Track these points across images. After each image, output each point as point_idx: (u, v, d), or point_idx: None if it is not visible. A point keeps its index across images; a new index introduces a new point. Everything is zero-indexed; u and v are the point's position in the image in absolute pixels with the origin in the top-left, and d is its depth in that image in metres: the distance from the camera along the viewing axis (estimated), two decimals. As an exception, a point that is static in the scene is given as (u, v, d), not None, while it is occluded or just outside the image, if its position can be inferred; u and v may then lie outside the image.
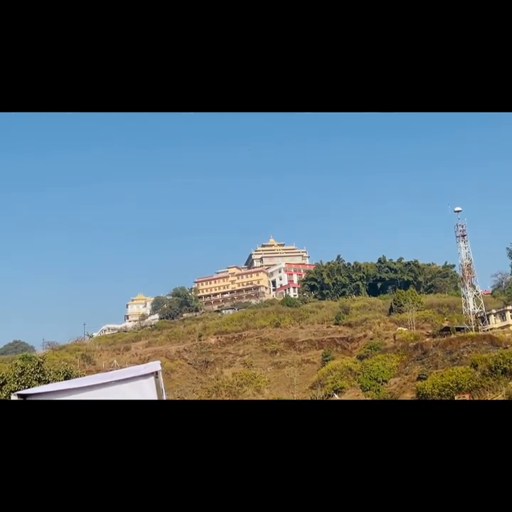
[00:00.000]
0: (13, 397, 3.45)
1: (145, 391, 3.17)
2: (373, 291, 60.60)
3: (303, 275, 70.16)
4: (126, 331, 62.23)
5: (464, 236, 39.76)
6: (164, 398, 3.25)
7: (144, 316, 70.98)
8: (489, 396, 33.26)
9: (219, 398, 38.99)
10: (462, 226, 39.87)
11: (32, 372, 15.53)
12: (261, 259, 78.74)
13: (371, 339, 41.66)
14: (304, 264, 76.33)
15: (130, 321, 71.56)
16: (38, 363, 23.54)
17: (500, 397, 32.10)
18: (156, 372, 3.31)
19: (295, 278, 72.19)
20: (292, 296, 65.96)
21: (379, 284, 61.69)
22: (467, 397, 33.71)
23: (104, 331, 64.88)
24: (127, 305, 78.12)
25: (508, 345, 36.58)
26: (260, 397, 39.16)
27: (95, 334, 61.53)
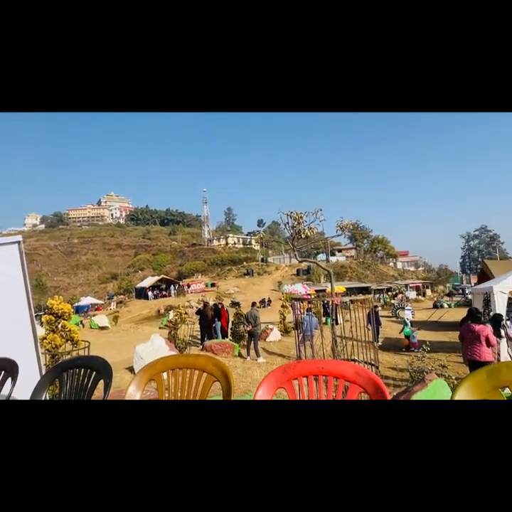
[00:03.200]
0: None
1: (12, 254, 3.16)
2: (163, 224, 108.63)
3: (128, 212, 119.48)
4: (23, 232, 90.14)
5: (205, 203, 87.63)
6: (25, 261, 3.25)
7: (35, 225, 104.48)
8: (209, 274, 55.88)
9: (75, 270, 76.45)
10: (205, 197, 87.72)
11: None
12: (106, 202, 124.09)
13: (159, 247, 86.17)
14: (129, 207, 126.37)
15: (26, 227, 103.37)
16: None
17: (214, 275, 55.03)
18: (19, 242, 3.29)
19: (123, 214, 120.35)
20: (122, 222, 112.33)
21: (165, 221, 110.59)
22: (200, 276, 54.27)
23: (10, 231, 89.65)
24: (25, 217, 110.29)
25: (219, 253, 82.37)
26: (98, 269, 78.07)
27: (4, 232, 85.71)
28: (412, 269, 61.28)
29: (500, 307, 9.24)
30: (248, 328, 10.49)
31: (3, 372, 1.90)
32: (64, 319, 5.57)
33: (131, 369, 8.15)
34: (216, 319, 12.88)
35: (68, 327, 5.53)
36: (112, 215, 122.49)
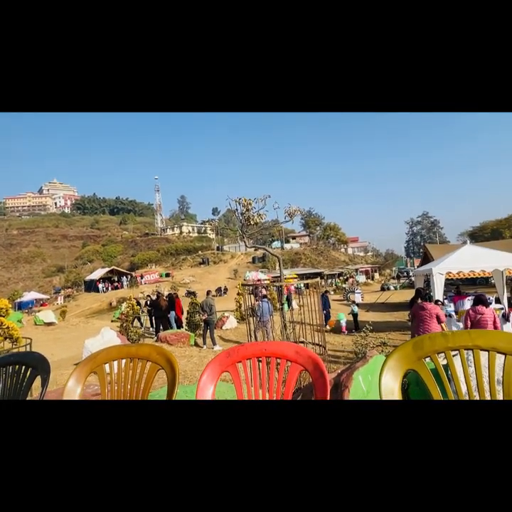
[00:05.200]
0: None
1: None
2: (112, 213, 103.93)
3: (73, 201, 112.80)
4: None
5: (158, 191, 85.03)
6: None
7: None
8: (163, 264, 56.03)
9: (16, 264, 70.44)
10: (157, 185, 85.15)
11: None
12: (48, 190, 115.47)
13: (109, 237, 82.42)
14: (75, 195, 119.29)
15: None
16: None
17: (169, 265, 54.53)
18: None
19: (69, 202, 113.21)
20: (67, 211, 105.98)
21: (115, 210, 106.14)
22: (154, 266, 54.23)
23: None
24: None
25: (173, 242, 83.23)
26: (42, 262, 72.81)
27: None
28: (362, 254, 64.29)
29: (438, 287, 10.02)
30: (203, 317, 10.44)
31: None
32: (1, 316, 5.16)
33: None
34: (170, 309, 12.65)
35: (6, 324, 5.14)
36: (55, 203, 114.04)
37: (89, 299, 35.19)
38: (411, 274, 30.15)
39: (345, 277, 33.66)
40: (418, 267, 21.17)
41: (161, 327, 12.15)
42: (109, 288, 39.36)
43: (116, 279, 41.80)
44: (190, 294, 26.39)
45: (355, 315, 11.94)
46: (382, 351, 5.41)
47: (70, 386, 1.59)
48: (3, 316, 5.23)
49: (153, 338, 11.54)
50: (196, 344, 10.69)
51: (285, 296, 9.24)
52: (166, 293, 22.65)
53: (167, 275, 43.24)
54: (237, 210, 4.90)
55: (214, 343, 10.09)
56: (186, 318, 13.04)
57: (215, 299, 12.26)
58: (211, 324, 10.33)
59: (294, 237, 63.75)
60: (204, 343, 10.29)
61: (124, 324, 9.83)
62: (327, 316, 12.65)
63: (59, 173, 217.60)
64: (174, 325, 12.40)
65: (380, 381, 1.10)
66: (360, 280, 36.22)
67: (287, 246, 56.37)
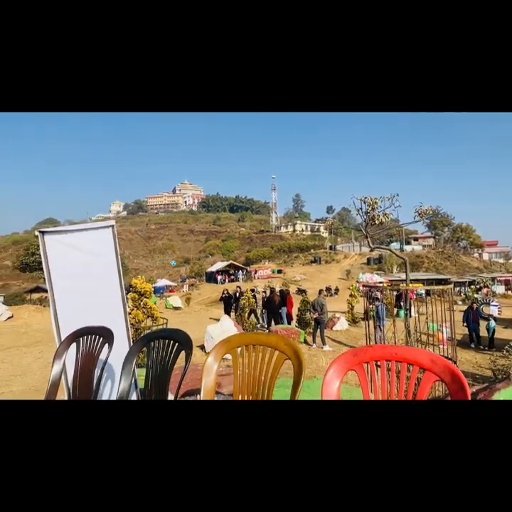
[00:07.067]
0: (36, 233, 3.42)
1: (107, 236, 3.45)
2: (232, 211, 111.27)
3: (200, 199, 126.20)
4: (109, 218, 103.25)
5: (274, 190, 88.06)
6: (117, 243, 3.54)
7: (118, 212, 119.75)
8: (276, 260, 57.91)
9: (152, 254, 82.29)
10: (274, 184, 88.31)
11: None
12: (180, 190, 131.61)
13: (229, 233, 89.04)
14: (201, 194, 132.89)
15: (111, 213, 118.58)
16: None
17: (281, 262, 57.26)
18: (112, 226, 3.54)
19: (196, 201, 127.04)
20: (194, 209, 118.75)
21: (234, 208, 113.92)
22: (267, 262, 56.28)
23: (98, 217, 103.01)
24: (111, 204, 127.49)
25: (286, 239, 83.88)
26: (172, 254, 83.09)
27: (93, 218, 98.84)
28: (502, 260, 54.93)
29: None
30: (314, 316, 10.45)
31: (102, 338, 2.19)
32: (146, 297, 6.13)
33: (201, 347, 8.67)
34: (282, 305, 13.01)
35: (149, 304, 6.08)
36: (185, 202, 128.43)
37: (209, 289, 38.57)
38: None
39: (477, 286, 29.31)
40: None
41: (273, 321, 12.61)
42: (226, 280, 42.44)
43: (232, 272, 44.88)
44: (301, 291, 26.64)
45: (491, 330, 10.34)
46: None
47: (209, 363, 1.79)
48: (148, 298, 6.20)
49: (264, 330, 12.06)
50: (306, 342, 10.77)
51: (408, 301, 8.55)
52: (277, 289, 23.36)
53: (279, 271, 44.48)
54: (360, 208, 4.76)
55: (323, 343, 10.02)
56: (297, 315, 13.23)
57: (326, 299, 12.11)
58: (322, 324, 10.28)
59: (415, 239, 58.36)
60: (313, 342, 10.31)
61: (240, 314, 10.54)
62: (475, 331, 10.93)
63: (190, 174, 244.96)
64: (285, 320, 12.72)
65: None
66: (498, 291, 31.10)
67: (407, 248, 52.01)
